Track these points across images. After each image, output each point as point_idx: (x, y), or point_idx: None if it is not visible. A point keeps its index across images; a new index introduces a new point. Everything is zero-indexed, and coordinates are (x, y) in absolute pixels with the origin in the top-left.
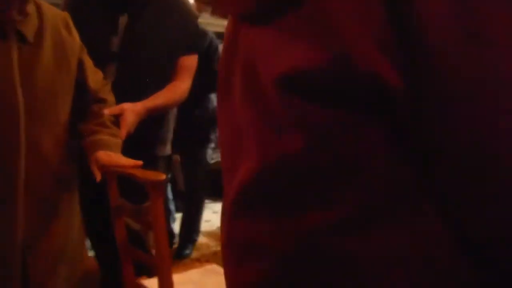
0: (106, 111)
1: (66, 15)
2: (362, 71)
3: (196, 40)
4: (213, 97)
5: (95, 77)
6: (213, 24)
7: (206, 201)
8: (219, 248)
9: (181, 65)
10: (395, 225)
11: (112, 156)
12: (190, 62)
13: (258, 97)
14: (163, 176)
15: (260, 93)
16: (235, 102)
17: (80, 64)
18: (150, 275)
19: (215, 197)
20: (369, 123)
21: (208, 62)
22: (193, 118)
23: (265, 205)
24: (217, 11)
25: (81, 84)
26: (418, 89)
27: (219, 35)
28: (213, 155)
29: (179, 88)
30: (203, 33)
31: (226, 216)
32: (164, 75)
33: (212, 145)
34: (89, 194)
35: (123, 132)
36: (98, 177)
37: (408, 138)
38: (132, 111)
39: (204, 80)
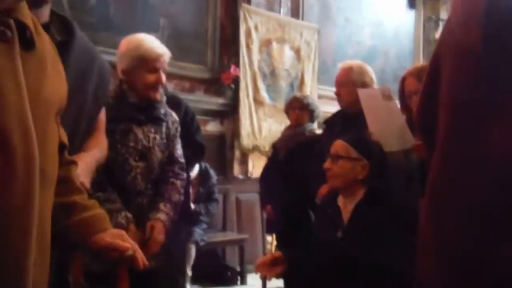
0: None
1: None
2: None
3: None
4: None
5: None
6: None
7: None
8: None
9: (100, 116)
10: None
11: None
12: (103, 114)
13: None
14: None
15: None
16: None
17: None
18: None
19: None
20: None
21: (187, 132)
22: None
23: None
24: None
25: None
26: None
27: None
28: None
29: (105, 140)
30: (177, 100)
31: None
32: (88, 128)
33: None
34: None
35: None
36: None
37: None
38: (85, 164)
39: (186, 154)
